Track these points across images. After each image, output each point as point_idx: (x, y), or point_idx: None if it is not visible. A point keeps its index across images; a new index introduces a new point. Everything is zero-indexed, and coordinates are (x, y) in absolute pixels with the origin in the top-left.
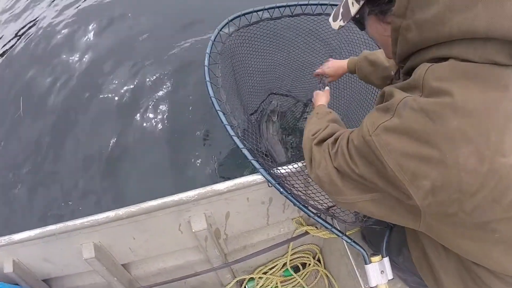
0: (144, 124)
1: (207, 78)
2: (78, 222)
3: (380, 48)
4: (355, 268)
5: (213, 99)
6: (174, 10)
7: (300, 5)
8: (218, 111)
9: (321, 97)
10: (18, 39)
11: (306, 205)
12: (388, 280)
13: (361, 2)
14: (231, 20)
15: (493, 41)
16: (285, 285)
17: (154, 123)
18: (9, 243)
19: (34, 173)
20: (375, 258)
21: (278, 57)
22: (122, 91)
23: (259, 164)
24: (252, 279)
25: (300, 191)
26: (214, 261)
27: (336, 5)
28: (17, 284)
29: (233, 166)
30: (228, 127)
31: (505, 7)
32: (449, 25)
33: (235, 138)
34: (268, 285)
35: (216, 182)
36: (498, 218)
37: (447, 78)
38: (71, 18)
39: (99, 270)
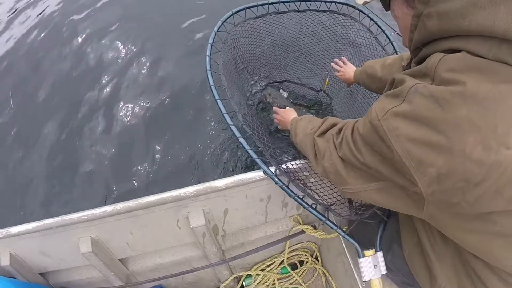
0: (141, 115)
1: (208, 67)
2: (75, 216)
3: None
4: (352, 266)
5: (212, 87)
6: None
7: (304, 0)
8: (218, 100)
9: (290, 113)
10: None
11: (302, 197)
12: (382, 274)
13: None
14: (235, 12)
15: (509, 43)
16: (282, 282)
17: (152, 115)
18: (6, 236)
19: (37, 166)
20: (369, 252)
21: (278, 49)
22: (118, 80)
23: (256, 154)
24: (249, 275)
25: (299, 184)
26: (212, 257)
27: (340, 3)
28: (13, 277)
29: (233, 162)
30: (226, 116)
31: None
32: (469, 20)
33: (233, 127)
34: (266, 282)
35: (216, 179)
36: (499, 210)
37: (460, 69)
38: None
39: (96, 264)
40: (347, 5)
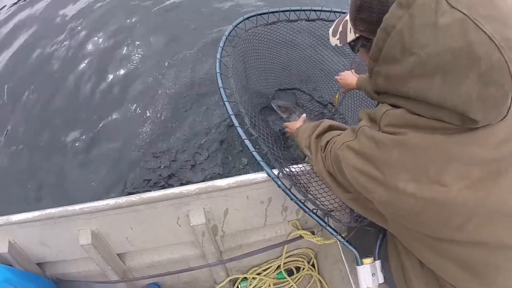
0: (147, 112)
1: (218, 70)
2: (77, 207)
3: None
4: (349, 274)
5: (221, 89)
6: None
7: (314, 10)
8: (225, 102)
9: (296, 123)
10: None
11: (303, 201)
12: (379, 284)
13: (357, 35)
14: (247, 18)
15: (446, 109)
16: (277, 287)
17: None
18: (6, 223)
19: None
20: (367, 260)
21: (287, 56)
22: (126, 77)
23: (260, 156)
24: (245, 279)
25: (301, 188)
26: (209, 257)
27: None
28: (10, 265)
29: (235, 163)
30: (233, 117)
31: (461, 87)
32: (407, 86)
33: (239, 129)
34: (261, 287)
35: (216, 178)
36: (448, 239)
37: (398, 125)
38: None
39: (95, 257)
40: None
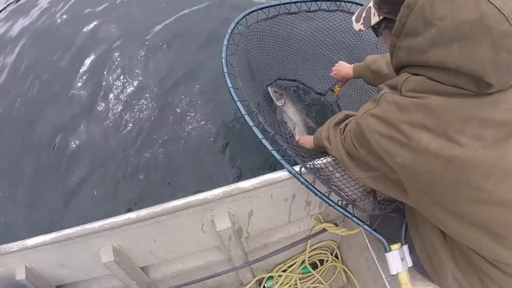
0: (153, 118)
1: (225, 70)
2: (96, 224)
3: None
4: (376, 261)
5: (231, 89)
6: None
7: (315, 0)
8: (237, 102)
9: (308, 136)
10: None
11: (327, 195)
12: (408, 267)
13: (381, 17)
14: (248, 14)
15: (464, 75)
16: (303, 282)
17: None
18: (21, 249)
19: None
20: (395, 246)
21: (289, 49)
22: (133, 81)
23: (278, 154)
24: (271, 277)
25: (325, 180)
26: (236, 260)
27: (349, 1)
28: None
29: (256, 164)
30: (246, 117)
31: (476, 53)
32: (427, 56)
33: (255, 129)
34: (287, 283)
35: (240, 181)
36: (470, 200)
37: (419, 90)
38: None
39: (118, 274)
40: (355, 3)
